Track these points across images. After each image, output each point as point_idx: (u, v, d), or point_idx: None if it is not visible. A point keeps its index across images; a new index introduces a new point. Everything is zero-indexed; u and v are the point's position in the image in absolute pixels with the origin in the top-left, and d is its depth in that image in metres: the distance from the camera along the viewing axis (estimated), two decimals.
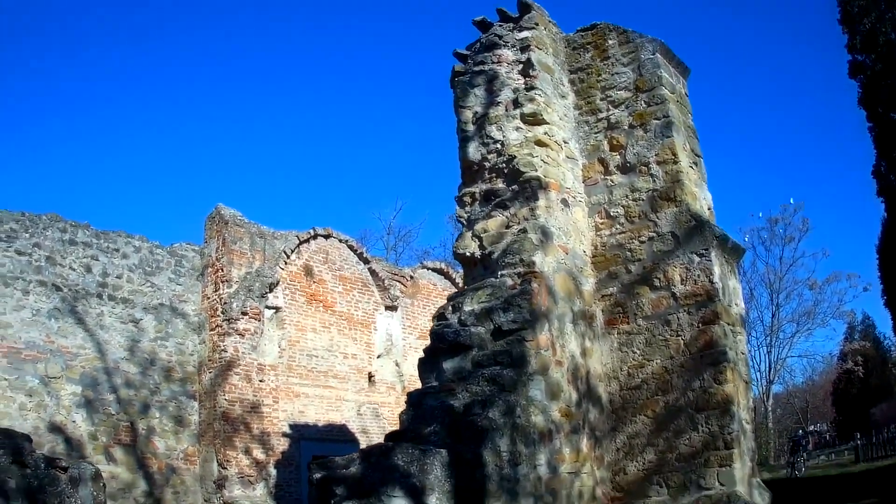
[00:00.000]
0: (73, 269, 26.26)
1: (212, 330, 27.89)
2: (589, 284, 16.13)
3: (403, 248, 69.91)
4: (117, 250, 27.47)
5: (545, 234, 14.71)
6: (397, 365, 32.43)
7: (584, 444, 14.57)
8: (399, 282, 33.15)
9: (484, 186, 15.77)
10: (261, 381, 27.55)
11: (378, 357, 31.98)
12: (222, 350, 27.07)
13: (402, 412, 13.54)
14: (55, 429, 24.67)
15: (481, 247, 15.19)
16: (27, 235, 25.47)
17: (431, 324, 14.71)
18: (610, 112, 17.02)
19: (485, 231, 15.24)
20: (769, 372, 72.63)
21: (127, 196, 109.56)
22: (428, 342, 14.35)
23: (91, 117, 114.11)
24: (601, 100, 17.20)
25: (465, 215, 15.92)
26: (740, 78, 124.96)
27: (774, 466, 52.31)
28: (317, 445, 27.77)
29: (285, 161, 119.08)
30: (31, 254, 25.42)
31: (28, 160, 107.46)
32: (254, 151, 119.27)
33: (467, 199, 16.00)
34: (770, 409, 73.64)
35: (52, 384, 24.91)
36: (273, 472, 26.92)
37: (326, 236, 31.48)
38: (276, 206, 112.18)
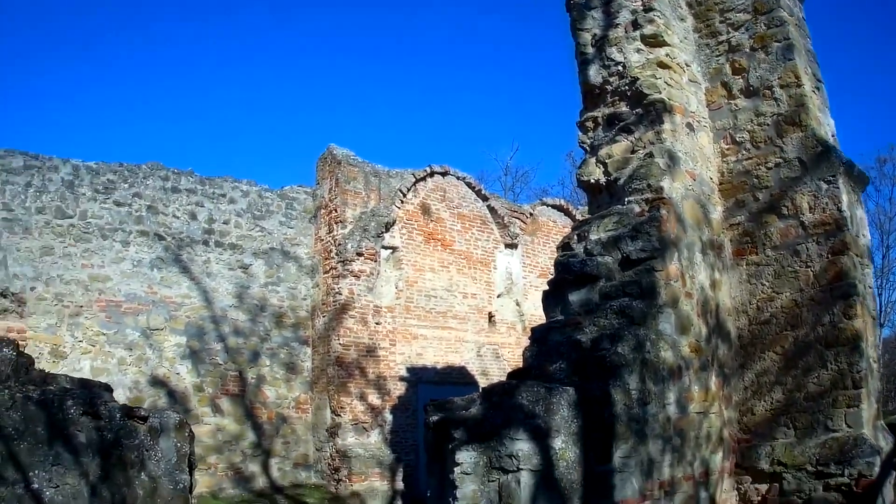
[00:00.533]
0: (177, 217, 25.86)
1: (325, 273, 27.19)
2: (717, 213, 15.19)
3: (521, 188, 68.18)
4: (224, 196, 26.94)
5: (672, 159, 13.79)
6: (518, 304, 31.39)
7: (713, 382, 13.69)
8: (518, 219, 32.06)
9: (606, 110, 14.88)
10: (377, 323, 26.73)
11: (498, 296, 30.98)
12: (336, 293, 26.30)
13: (525, 349, 12.60)
14: (157, 382, 24.39)
15: (606, 173, 14.36)
16: (126, 186, 25.13)
17: (553, 261, 13.90)
18: (730, 35, 16.01)
19: (609, 156, 14.36)
20: (880, 315, 70.26)
21: (231, 143, 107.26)
22: (549, 281, 13.52)
23: (191, 63, 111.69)
24: (720, 22, 16.16)
25: (589, 141, 15.10)
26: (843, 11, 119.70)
27: (884, 412, 50.47)
28: (434, 389, 26.79)
29: (396, 101, 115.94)
30: (131, 204, 25.07)
31: (127, 111, 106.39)
32: (364, 91, 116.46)
33: (590, 123, 15.14)
34: (879, 352, 71.09)
35: (155, 336, 24.61)
36: (388, 417, 26.25)
37: (443, 174, 30.43)
38: (388, 146, 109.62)
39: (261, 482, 25.34)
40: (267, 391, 26.29)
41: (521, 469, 9.72)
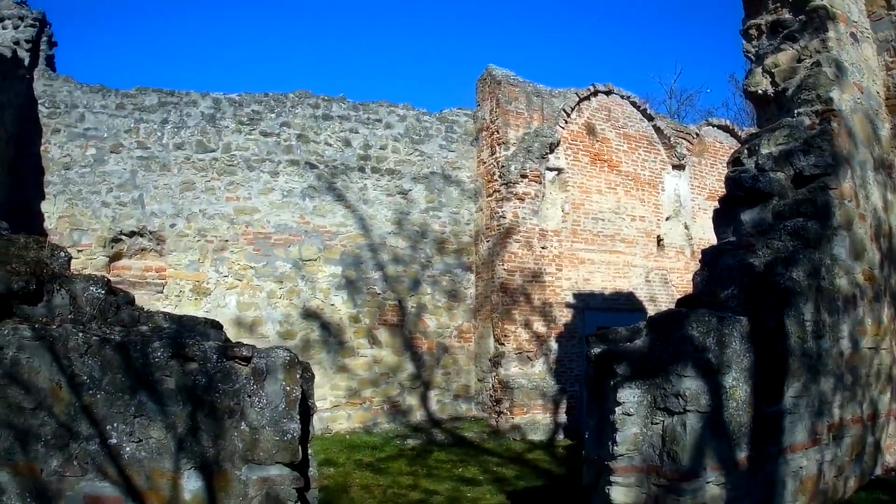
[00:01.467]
0: (330, 145, 24.11)
1: (488, 196, 25.14)
2: (885, 129, 13.34)
3: (686, 111, 65.19)
4: (379, 121, 24.99)
5: (839, 69, 12.23)
6: (686, 227, 28.91)
7: (886, 314, 12.10)
8: (685, 139, 29.51)
9: (769, 17, 13.35)
10: (543, 247, 24.53)
11: (666, 219, 28.57)
12: (500, 216, 24.15)
13: (695, 273, 11.48)
14: (310, 315, 22.91)
15: (773, 83, 12.93)
16: (273, 116, 23.61)
17: (720, 183, 13.55)
18: None
19: (775, 66, 12.88)
20: None
21: (383, 69, 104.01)
22: (717, 204, 12.30)
23: None
24: None
25: (753, 50, 13.63)
26: None
27: None
28: (602, 315, 24.70)
29: (555, 20, 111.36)
30: (279, 134, 23.55)
31: (274, 40, 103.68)
32: (521, 10, 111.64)
33: (753, 31, 13.64)
34: None
35: (307, 267, 23.11)
36: (554, 346, 24.09)
37: (607, 93, 27.84)
38: (547, 67, 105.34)
39: (418, 415, 23.76)
40: (427, 320, 24.46)
41: (688, 410, 8.49)
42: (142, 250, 21.69)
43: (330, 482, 15.84)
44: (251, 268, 22.31)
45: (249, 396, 7.21)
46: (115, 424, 7.01)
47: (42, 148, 21.70)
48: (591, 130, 26.70)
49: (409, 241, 24.47)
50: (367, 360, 23.27)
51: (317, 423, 21.38)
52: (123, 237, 21.52)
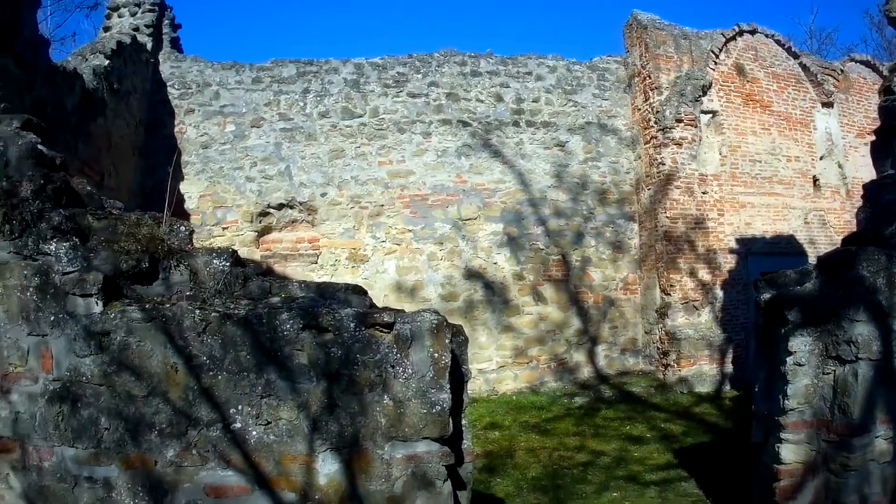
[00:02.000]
0: (481, 102, 22.92)
1: (646, 143, 23.74)
2: None
3: (827, 50, 62.92)
4: (529, 74, 23.71)
5: None
6: (840, 167, 27.01)
7: None
8: (831, 76, 27.76)
9: None
10: (703, 193, 23.07)
11: (820, 159, 26.64)
12: (659, 163, 22.80)
13: (858, 209, 10.60)
14: (472, 275, 21.81)
15: None
16: (419, 77, 22.62)
17: (868, 120, 12.10)
18: None
19: None
20: None
21: (526, 22, 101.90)
22: (868, 141, 11.56)
23: None
24: None
25: None
26: None
27: None
28: (764, 260, 23.08)
29: None
30: (428, 94, 22.51)
31: (412, 3, 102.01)
32: None
33: None
34: None
35: (467, 227, 21.99)
36: (719, 294, 22.60)
37: (752, 32, 26.11)
38: (685, 10, 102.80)
39: (585, 372, 22.45)
40: (592, 273, 23.10)
41: (860, 359, 7.95)
42: (292, 222, 21.06)
43: (495, 447, 15.06)
44: (409, 231, 21.34)
45: (393, 367, 6.20)
46: (240, 407, 6.17)
47: (176, 129, 21.34)
48: (740, 71, 25.16)
49: (569, 194, 23.14)
50: (532, 317, 22.06)
51: (483, 385, 20.58)
52: (272, 210, 20.92)
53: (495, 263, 21.89)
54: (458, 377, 6.60)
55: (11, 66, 12.81)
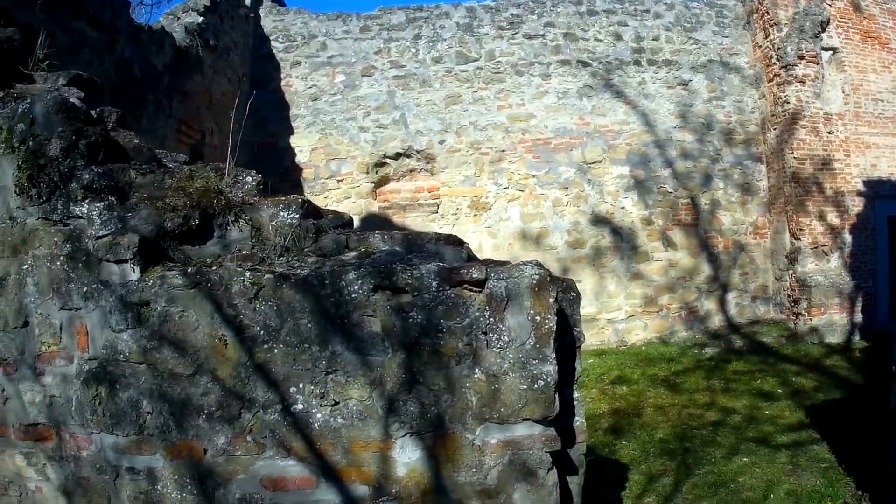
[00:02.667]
0: (600, 41, 21.77)
1: (769, 81, 22.27)
2: None
3: None
4: (647, 11, 22.47)
5: None
6: None
7: None
8: None
9: None
10: (829, 132, 21.46)
11: None
12: (784, 101, 21.30)
13: None
14: (599, 220, 20.75)
15: None
16: (534, 18, 21.59)
17: None
18: None
19: None
20: None
21: None
22: None
23: None
24: None
25: None
26: None
27: None
28: (892, 203, 21.77)
29: None
30: (545, 35, 21.46)
31: None
32: None
33: None
34: None
35: (593, 170, 20.92)
36: (847, 238, 21.11)
37: None
38: None
39: (716, 321, 21.32)
40: (722, 217, 21.88)
41: None
42: (410, 171, 20.24)
43: (622, 404, 14.36)
44: (532, 176, 20.35)
45: (485, 333, 4.90)
46: (301, 385, 5.02)
47: (283, 83, 20.87)
48: (856, 7, 23.25)
49: (695, 135, 21.94)
50: (661, 264, 21.06)
51: (612, 336, 19.52)
52: (388, 160, 20.14)
53: (623, 208, 20.88)
54: (567, 342, 5.35)
55: (87, 29, 12.42)
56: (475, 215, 19.96)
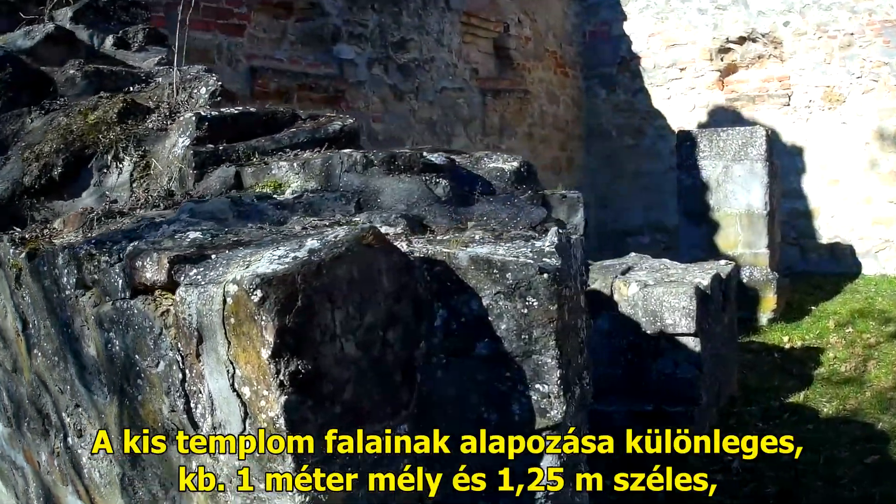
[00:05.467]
0: None
1: None
2: None
3: None
4: None
5: None
6: None
7: None
8: None
9: None
10: None
11: None
12: None
13: None
14: None
15: None
16: None
17: None
18: None
19: None
20: None
21: None
22: None
23: None
24: None
25: None
26: None
27: None
28: None
29: None
30: None
31: None
32: None
33: None
34: None
35: None
36: None
37: None
38: None
39: None
40: None
41: None
42: (758, 58, 17.14)
43: None
44: (885, 64, 16.48)
45: (186, 400, 2.74)
46: (64, 414, 3.41)
47: None
48: None
49: None
50: None
51: None
52: (732, 45, 17.12)
53: None
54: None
55: None
56: (829, 109, 16.71)
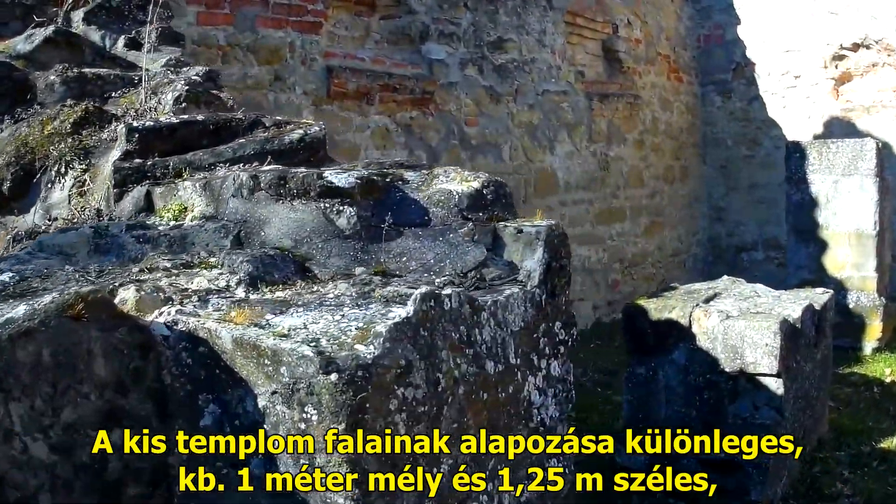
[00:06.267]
0: None
1: None
2: None
3: None
4: None
5: None
6: None
7: None
8: None
9: None
10: None
11: None
12: None
13: None
14: None
15: None
16: None
17: None
18: None
19: None
20: None
21: None
22: None
23: None
24: None
25: None
26: None
27: None
28: None
29: None
30: None
31: None
32: None
33: None
34: None
35: None
36: None
37: None
38: None
39: None
40: None
41: None
42: (872, 65, 16.26)
43: None
44: None
45: None
46: None
47: None
48: None
49: None
50: None
51: None
52: (846, 52, 16.29)
53: None
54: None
55: None
56: None
